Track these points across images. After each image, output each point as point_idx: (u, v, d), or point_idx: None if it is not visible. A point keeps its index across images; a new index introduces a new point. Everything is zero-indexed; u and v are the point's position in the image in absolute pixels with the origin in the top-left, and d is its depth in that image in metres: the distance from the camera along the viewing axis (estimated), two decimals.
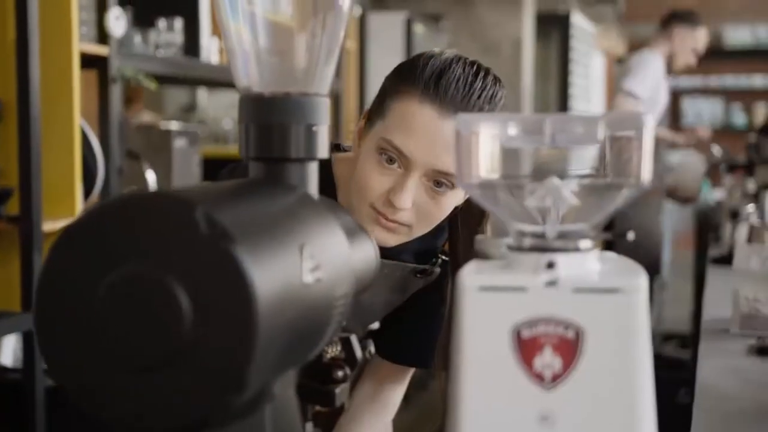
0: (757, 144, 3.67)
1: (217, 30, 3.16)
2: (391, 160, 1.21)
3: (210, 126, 5.12)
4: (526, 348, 0.61)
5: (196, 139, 3.31)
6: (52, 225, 2.44)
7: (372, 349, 1.53)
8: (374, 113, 1.25)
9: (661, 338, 4.90)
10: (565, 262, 0.62)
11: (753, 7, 8.62)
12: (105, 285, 0.54)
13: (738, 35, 8.83)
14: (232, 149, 4.43)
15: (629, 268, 0.64)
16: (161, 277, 0.53)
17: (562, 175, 0.64)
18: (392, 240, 1.25)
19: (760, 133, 3.71)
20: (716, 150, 5.04)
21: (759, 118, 8.50)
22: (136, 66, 2.85)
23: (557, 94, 7.16)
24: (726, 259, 2.60)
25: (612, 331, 0.60)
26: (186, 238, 0.54)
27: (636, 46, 6.41)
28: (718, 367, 1.56)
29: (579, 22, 7.26)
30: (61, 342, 0.56)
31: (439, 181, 1.21)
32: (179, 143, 3.17)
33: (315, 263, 0.61)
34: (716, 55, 7.83)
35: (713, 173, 5.38)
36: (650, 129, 0.62)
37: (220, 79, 3.48)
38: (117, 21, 2.72)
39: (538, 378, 0.61)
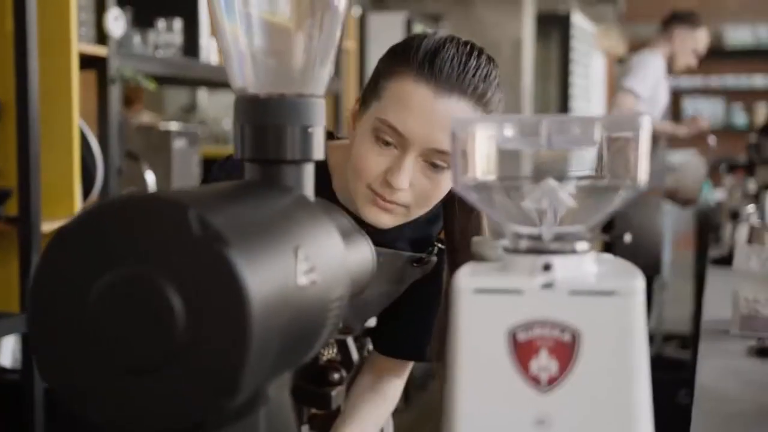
0: (757, 144, 3.67)
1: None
2: (386, 143, 1.21)
3: (210, 126, 5.11)
4: (522, 351, 0.60)
5: (195, 139, 3.31)
6: (50, 226, 2.44)
7: (370, 347, 1.53)
8: (368, 95, 1.26)
9: (661, 339, 4.90)
10: (561, 265, 0.61)
11: (753, 7, 8.62)
12: (98, 287, 0.54)
13: (739, 35, 8.83)
14: (232, 150, 4.42)
15: (626, 270, 0.64)
16: (154, 279, 0.53)
17: (561, 177, 0.63)
18: (390, 221, 1.25)
19: (761, 134, 3.71)
20: (712, 140, 5.04)
21: (760, 118, 8.50)
22: (135, 66, 2.85)
23: (557, 94, 7.16)
24: (726, 260, 2.60)
25: (609, 334, 0.60)
26: (179, 240, 0.53)
27: (636, 46, 6.40)
28: (717, 369, 1.56)
29: (579, 22, 7.26)
30: (53, 344, 0.56)
31: (435, 162, 1.21)
32: (179, 144, 3.17)
33: (310, 265, 0.61)
34: (717, 55, 7.82)
35: (713, 173, 5.38)
36: (647, 130, 0.62)
37: (219, 80, 3.47)
38: (116, 21, 2.72)
39: (534, 381, 0.61)
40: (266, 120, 0.67)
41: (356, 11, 4.78)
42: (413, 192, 1.22)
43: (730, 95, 9.04)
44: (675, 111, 7.81)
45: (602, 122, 0.64)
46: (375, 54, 4.82)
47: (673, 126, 4.78)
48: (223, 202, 0.59)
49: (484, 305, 0.61)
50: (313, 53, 0.69)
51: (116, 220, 0.55)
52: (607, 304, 0.60)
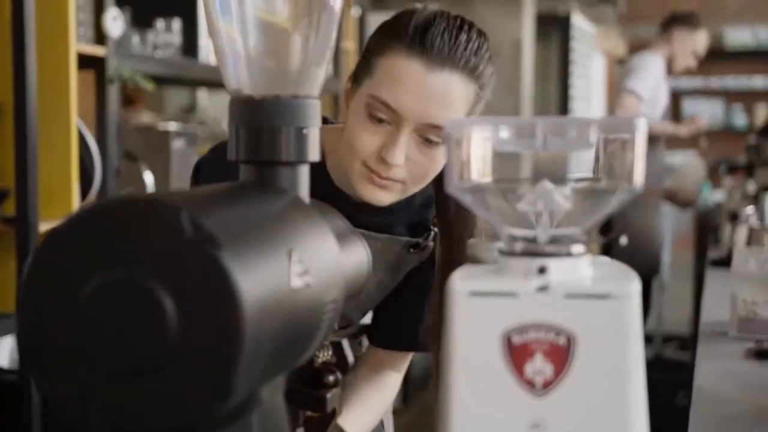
0: (757, 145, 3.67)
1: None
2: (380, 121, 1.21)
3: (210, 127, 5.10)
4: (516, 354, 0.60)
5: (195, 140, 3.30)
6: (48, 226, 2.43)
7: (366, 343, 1.52)
8: (360, 72, 1.25)
9: (660, 340, 4.90)
10: (556, 267, 0.61)
11: (753, 8, 8.61)
12: (89, 289, 0.54)
13: (739, 36, 8.82)
14: None
15: (622, 273, 0.63)
16: (146, 281, 0.53)
17: (559, 178, 0.63)
18: (387, 198, 1.25)
19: (761, 135, 3.71)
20: (704, 142, 5.04)
21: (759, 119, 8.49)
22: (134, 67, 2.85)
23: (557, 95, 7.15)
24: (725, 262, 2.59)
25: (604, 338, 0.60)
26: (171, 242, 0.53)
27: (636, 47, 6.40)
28: (715, 371, 1.56)
29: (579, 23, 7.25)
30: (44, 347, 0.55)
31: (429, 137, 1.21)
32: (178, 144, 3.16)
33: (304, 268, 0.60)
34: (717, 56, 7.81)
35: (713, 175, 5.37)
36: (643, 132, 0.61)
37: (218, 80, 3.44)
38: (114, 21, 2.71)
39: (529, 385, 0.60)
40: (261, 121, 0.67)
41: (356, 11, 4.78)
42: (409, 168, 1.22)
43: (730, 96, 9.04)
44: (675, 112, 7.80)
45: (598, 124, 0.63)
46: None
47: (674, 126, 4.77)
48: (216, 204, 0.59)
49: (478, 308, 0.60)
50: (308, 54, 0.69)
51: (108, 222, 0.55)
52: (602, 308, 0.59)
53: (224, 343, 0.52)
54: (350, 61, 4.75)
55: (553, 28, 6.99)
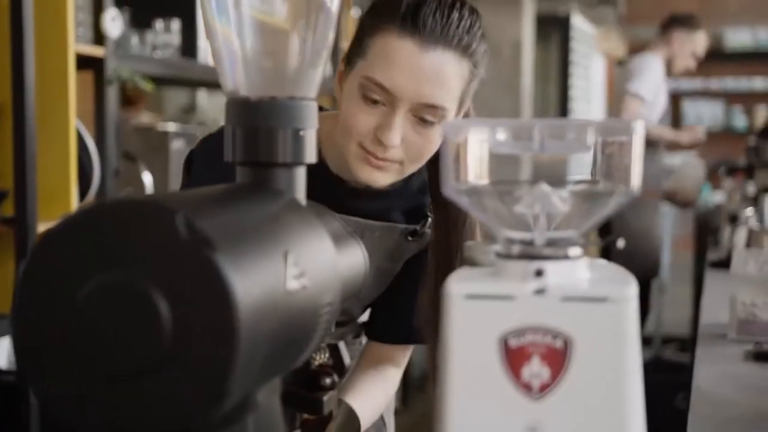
0: (756, 147, 3.66)
1: None
2: (375, 102, 1.21)
3: (210, 127, 5.10)
4: (513, 357, 0.60)
5: (194, 140, 3.30)
6: (47, 227, 2.42)
7: (364, 340, 1.51)
8: (353, 54, 1.25)
9: (660, 341, 4.89)
10: (554, 270, 0.61)
11: (753, 10, 8.61)
12: (84, 291, 0.53)
13: (738, 37, 8.82)
14: None
15: (619, 276, 0.63)
16: (141, 284, 0.53)
17: (558, 181, 0.63)
18: (384, 179, 1.24)
19: (760, 136, 3.70)
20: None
21: (759, 120, 8.49)
22: (133, 67, 2.84)
23: (557, 96, 7.15)
24: (724, 263, 2.59)
25: (601, 341, 0.59)
26: (166, 244, 0.53)
27: (636, 48, 6.39)
28: (715, 373, 1.55)
29: (579, 24, 7.25)
30: (38, 349, 0.55)
31: (424, 117, 1.21)
32: (177, 145, 3.16)
33: (300, 270, 0.60)
34: (717, 58, 7.81)
35: (713, 176, 5.37)
36: (640, 135, 0.61)
37: (217, 81, 3.44)
38: (113, 22, 2.71)
39: (526, 388, 0.60)
40: (258, 123, 0.67)
41: (355, 12, 4.77)
42: (405, 148, 1.22)
43: (730, 98, 9.03)
44: (675, 113, 7.80)
45: (596, 127, 0.63)
46: None
47: (674, 133, 4.76)
48: (212, 206, 0.59)
49: (475, 311, 0.60)
50: (305, 55, 0.69)
51: (103, 224, 0.54)
52: (599, 311, 0.59)
53: (219, 346, 0.52)
54: None
55: (553, 29, 7.00)
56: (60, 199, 2.51)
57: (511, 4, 5.63)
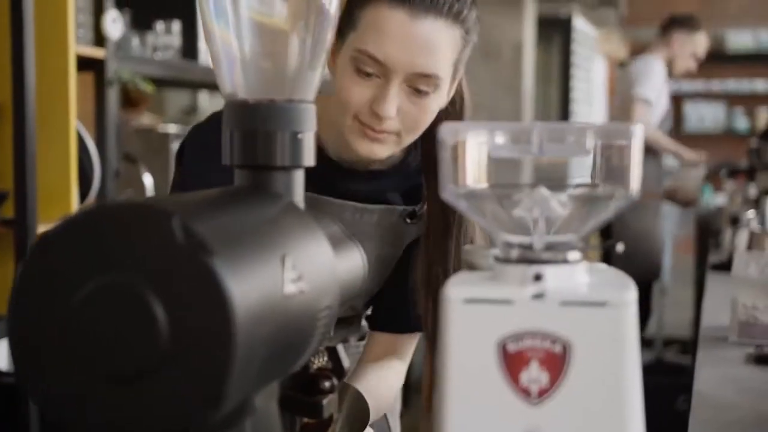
0: (758, 149, 3.65)
1: None
2: (368, 74, 1.20)
3: None
4: (512, 362, 0.59)
5: None
6: (47, 228, 2.42)
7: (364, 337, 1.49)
8: (344, 26, 1.24)
9: (661, 343, 4.89)
10: (552, 274, 0.60)
11: (755, 12, 8.60)
12: (81, 295, 0.53)
13: (740, 39, 8.81)
14: None
15: (619, 280, 0.63)
16: (137, 288, 0.52)
17: (558, 184, 0.62)
18: (382, 151, 1.24)
19: (762, 138, 3.69)
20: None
21: (761, 122, 8.47)
22: (134, 69, 2.85)
23: (559, 98, 7.14)
24: (725, 266, 2.58)
25: (600, 346, 0.59)
26: (163, 248, 0.52)
27: (638, 50, 6.38)
28: (716, 376, 1.55)
29: (581, 25, 7.24)
30: (35, 352, 0.55)
31: (419, 87, 1.20)
32: (177, 146, 3.15)
33: (297, 274, 0.60)
34: (718, 60, 7.80)
35: (714, 178, 5.36)
36: (639, 139, 0.61)
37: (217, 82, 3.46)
38: (114, 23, 2.71)
39: (525, 393, 0.59)
40: (256, 126, 0.66)
41: None
42: (401, 119, 1.21)
43: (732, 99, 9.02)
44: (677, 115, 7.78)
45: (595, 131, 0.63)
46: None
47: (677, 146, 4.74)
48: (208, 210, 0.58)
49: (473, 316, 0.60)
50: (303, 57, 0.68)
51: (100, 227, 0.54)
52: (598, 315, 0.59)
53: (216, 350, 0.52)
54: None
55: (555, 31, 6.99)
56: (60, 201, 2.51)
57: (512, 6, 5.62)
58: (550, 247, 0.62)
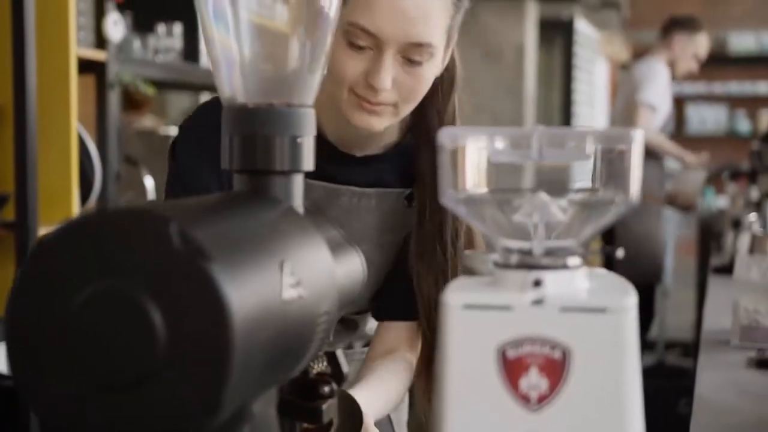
0: (760, 151, 3.65)
1: None
2: (360, 48, 1.19)
3: None
4: (511, 368, 0.59)
5: None
6: (48, 231, 2.42)
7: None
8: None
9: (663, 346, 4.88)
10: (552, 280, 0.60)
11: (757, 14, 8.59)
12: (77, 301, 0.53)
13: (742, 42, 8.80)
14: None
15: (618, 286, 0.62)
16: (134, 294, 0.52)
17: (559, 190, 0.62)
18: (380, 123, 1.24)
19: (764, 141, 3.69)
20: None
21: (763, 125, 8.46)
22: (135, 71, 2.85)
23: (561, 100, 7.14)
24: (727, 269, 2.58)
25: (600, 352, 0.59)
26: (160, 254, 0.52)
27: (640, 52, 6.38)
28: (717, 380, 1.55)
29: (583, 28, 7.24)
30: (32, 356, 0.55)
31: (413, 57, 1.20)
32: None
33: (296, 279, 0.60)
34: (720, 62, 7.80)
35: (716, 180, 5.36)
36: (639, 144, 0.60)
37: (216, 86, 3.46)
38: (115, 26, 2.71)
39: (524, 399, 0.59)
40: (255, 130, 0.66)
41: None
42: (397, 89, 1.21)
43: (734, 102, 9.01)
44: (679, 118, 7.78)
45: (595, 135, 0.62)
46: None
47: (680, 150, 4.74)
48: (206, 215, 0.58)
49: (473, 321, 0.59)
50: (303, 61, 0.68)
51: (98, 233, 0.54)
52: (598, 321, 0.59)
53: (213, 357, 0.51)
54: None
55: (557, 33, 6.98)
56: (61, 203, 2.51)
57: (514, 8, 5.62)
58: (549, 252, 0.62)
